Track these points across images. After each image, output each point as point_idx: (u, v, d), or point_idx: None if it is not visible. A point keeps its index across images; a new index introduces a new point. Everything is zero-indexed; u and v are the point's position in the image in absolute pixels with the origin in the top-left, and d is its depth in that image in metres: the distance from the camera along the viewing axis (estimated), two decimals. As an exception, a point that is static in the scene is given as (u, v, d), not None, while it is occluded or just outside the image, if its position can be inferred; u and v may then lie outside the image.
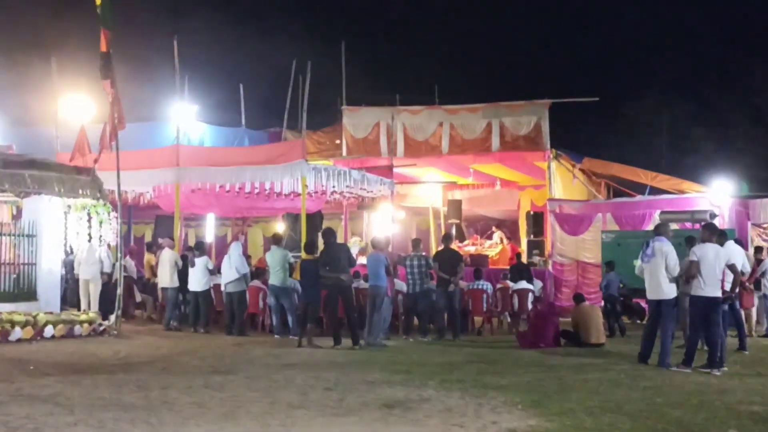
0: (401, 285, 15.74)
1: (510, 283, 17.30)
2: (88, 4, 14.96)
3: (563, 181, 22.17)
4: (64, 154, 17.05)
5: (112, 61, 14.72)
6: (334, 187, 17.73)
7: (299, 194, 17.28)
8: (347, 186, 18.02)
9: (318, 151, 24.35)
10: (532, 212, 22.60)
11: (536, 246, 21.63)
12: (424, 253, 15.69)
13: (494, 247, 23.51)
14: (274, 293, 15.29)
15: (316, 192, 18.13)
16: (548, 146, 21.84)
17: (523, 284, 17.01)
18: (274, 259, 15.30)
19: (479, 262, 20.72)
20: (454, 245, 21.75)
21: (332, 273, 13.60)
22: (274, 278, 15.20)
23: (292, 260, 15.54)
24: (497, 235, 24.41)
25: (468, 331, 16.35)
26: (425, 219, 27.11)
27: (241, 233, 24.59)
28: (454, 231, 24.29)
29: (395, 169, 21.08)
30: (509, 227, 25.71)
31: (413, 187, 25.24)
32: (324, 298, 14.17)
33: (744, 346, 13.01)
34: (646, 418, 7.90)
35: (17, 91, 23.72)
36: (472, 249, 23.18)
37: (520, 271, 18.11)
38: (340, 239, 21.25)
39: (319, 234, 15.97)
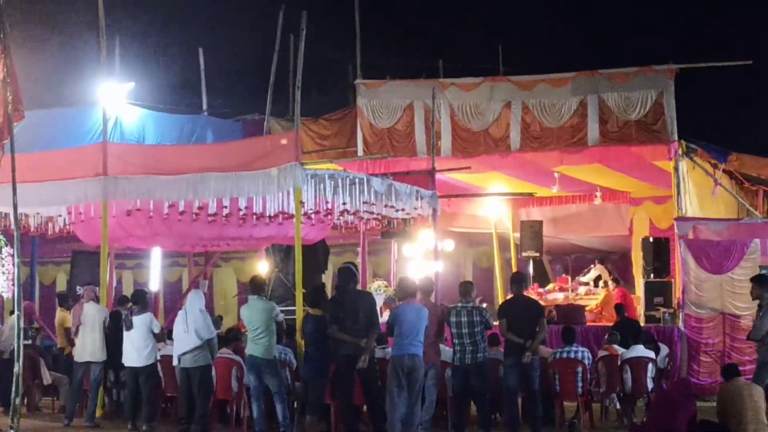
0: (448, 353, 15.72)
1: (619, 350, 17.13)
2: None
3: (699, 191, 22.02)
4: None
5: (5, 15, 14.76)
6: (344, 203, 17.68)
7: (292, 216, 17.19)
8: (365, 202, 17.93)
9: (320, 149, 24.54)
10: (651, 239, 22.51)
11: (659, 290, 21.41)
12: (476, 305, 15.60)
13: (594, 294, 23.43)
14: (254, 369, 15.24)
15: (317, 212, 18.10)
16: (675, 136, 21.73)
17: (639, 351, 16.84)
18: (253, 315, 15.26)
19: (571, 317, 20.61)
20: (531, 292, 21.65)
21: (346, 336, 13.54)
22: (255, 346, 15.16)
23: (281, 318, 15.52)
24: (594, 272, 24.37)
25: (555, 424, 16.25)
26: (486, 252, 27.21)
27: (203, 277, 24.64)
28: (531, 269, 24.30)
29: (439, 176, 20.99)
30: (617, 262, 25.66)
31: (467, 203, 25.28)
32: (333, 376, 14.07)
33: None
34: None
35: None
36: (559, 297, 23.16)
37: (633, 330, 17.94)
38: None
39: (322, 274, 15.83)
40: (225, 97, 27.58)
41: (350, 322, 13.66)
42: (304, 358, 14.87)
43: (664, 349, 18.87)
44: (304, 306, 15.67)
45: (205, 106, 25.78)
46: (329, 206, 17.81)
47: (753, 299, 15.97)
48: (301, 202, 16.72)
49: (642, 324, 20.01)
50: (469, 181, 24.09)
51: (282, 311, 15.94)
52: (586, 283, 24.16)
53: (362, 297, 14.27)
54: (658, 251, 21.88)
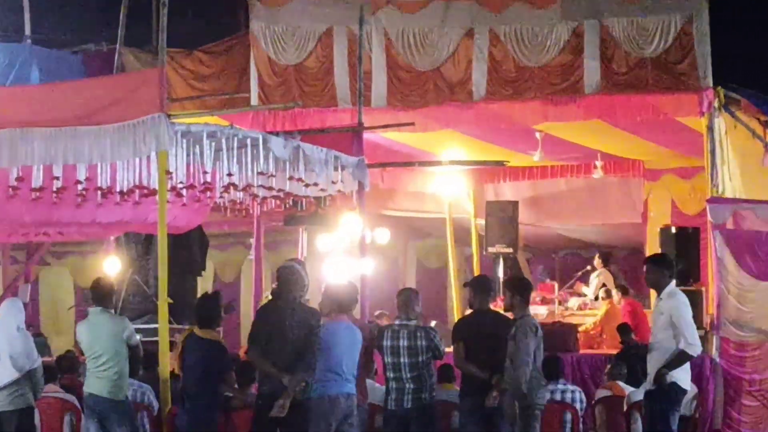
0: (379, 392, 16.07)
1: (625, 388, 17.50)
2: None
3: (743, 160, 22.10)
4: None
5: None
6: (230, 174, 17.69)
7: (154, 192, 17.13)
8: (261, 173, 17.95)
9: (197, 94, 24.65)
10: (674, 229, 23.05)
11: (684, 303, 21.66)
12: (422, 323, 15.78)
13: (591, 309, 23.88)
14: (95, 413, 15.30)
15: (191, 187, 18.22)
16: (710, 81, 21.83)
17: (653, 390, 16.92)
18: (95, 336, 15.30)
19: (559, 341, 20.74)
20: (501, 304, 21.65)
21: (267, 365, 13.72)
22: (97, 381, 15.21)
23: (136, 340, 15.56)
24: (596, 278, 24.76)
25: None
26: (436, 246, 27.71)
27: (23, 280, 25.00)
28: (500, 272, 24.63)
29: (369, 135, 21.19)
30: (625, 262, 26.18)
31: (409, 175, 25.71)
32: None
33: None
34: None
35: None
36: (542, 312, 23.48)
37: (646, 361, 17.75)
38: (245, 294, 21.04)
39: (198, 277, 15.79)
40: (58, 19, 27.67)
41: (277, 346, 13.72)
42: (181, 399, 14.81)
43: (692, 389, 18.71)
44: (174, 323, 15.60)
45: (28, 31, 25.65)
46: (208, 178, 17.82)
47: (505, 311, 15.79)
48: (168, 172, 16.55)
49: (659, 352, 20.17)
50: (413, 143, 24.46)
51: (138, 330, 16.11)
52: (587, 292, 24.70)
53: (304, 314, 14.08)
54: (684, 247, 22.24)
